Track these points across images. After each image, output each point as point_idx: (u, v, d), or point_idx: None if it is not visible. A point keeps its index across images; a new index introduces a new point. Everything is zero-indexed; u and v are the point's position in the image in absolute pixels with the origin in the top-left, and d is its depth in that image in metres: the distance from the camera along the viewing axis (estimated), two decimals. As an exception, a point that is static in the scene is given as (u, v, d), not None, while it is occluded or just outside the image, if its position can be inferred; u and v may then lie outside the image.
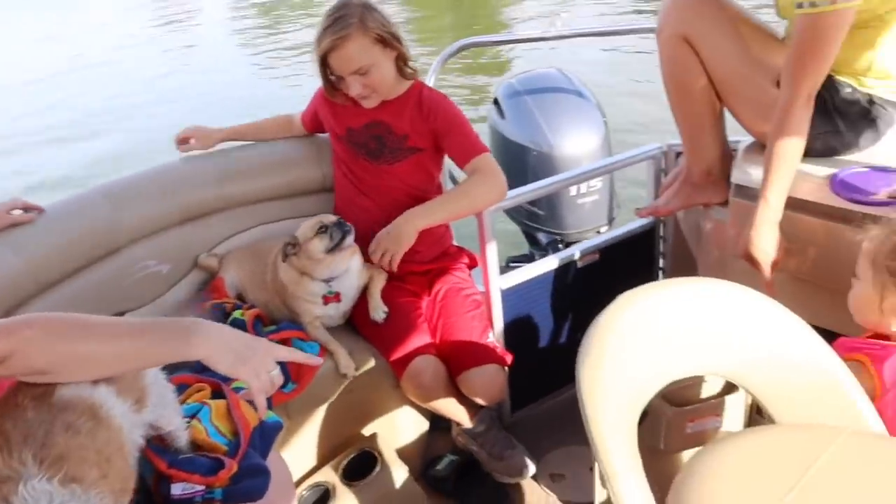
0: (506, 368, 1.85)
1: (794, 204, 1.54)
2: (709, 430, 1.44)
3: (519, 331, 2.08)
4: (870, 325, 1.28)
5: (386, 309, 1.84)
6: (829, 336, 1.36)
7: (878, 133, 1.63)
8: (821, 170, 1.60)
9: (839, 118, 1.60)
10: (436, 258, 2.00)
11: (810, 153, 1.54)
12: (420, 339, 1.80)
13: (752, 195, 1.59)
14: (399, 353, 1.77)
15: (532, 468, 1.94)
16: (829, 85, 1.55)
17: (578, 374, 1.07)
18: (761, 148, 1.60)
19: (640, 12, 8.95)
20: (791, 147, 1.48)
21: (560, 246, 3.14)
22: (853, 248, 1.29)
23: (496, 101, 2.94)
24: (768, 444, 1.13)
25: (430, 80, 2.31)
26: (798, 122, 1.48)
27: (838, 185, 1.52)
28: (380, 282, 1.88)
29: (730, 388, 1.45)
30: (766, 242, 1.53)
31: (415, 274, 1.96)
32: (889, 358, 1.18)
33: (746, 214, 1.57)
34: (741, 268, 1.63)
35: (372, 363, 1.82)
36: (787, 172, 1.50)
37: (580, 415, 1.06)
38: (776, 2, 1.67)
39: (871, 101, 1.59)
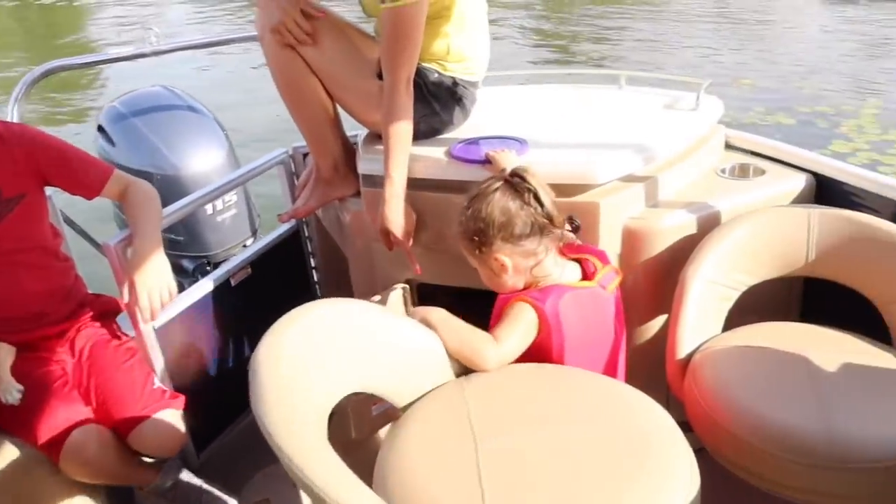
0: (180, 412, 1.72)
1: (415, 183, 1.69)
2: (391, 408, 1.52)
3: (186, 367, 1.94)
4: (507, 292, 1.45)
5: (20, 387, 1.56)
6: (475, 294, 1.54)
7: (466, 110, 1.87)
8: (431, 150, 1.78)
9: (434, 101, 1.80)
10: (71, 314, 1.76)
11: (417, 136, 1.70)
12: (72, 409, 1.58)
13: (379, 182, 1.70)
14: (49, 434, 1.52)
15: (233, 504, 1.85)
16: (420, 72, 1.72)
17: (253, 400, 1.06)
18: (378, 137, 1.73)
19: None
20: (402, 128, 1.64)
21: (208, 268, 3.01)
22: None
23: (101, 129, 2.68)
24: (440, 410, 1.28)
25: (11, 114, 2.00)
26: (403, 105, 1.64)
27: (455, 157, 1.71)
28: (7, 358, 1.60)
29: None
30: (396, 215, 1.66)
31: (49, 338, 1.70)
32: (546, 299, 1.37)
33: (377, 200, 1.68)
34: (385, 251, 1.74)
35: (16, 455, 1.53)
36: (404, 150, 1.65)
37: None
38: (361, 2, 1.80)
39: (454, 83, 1.82)
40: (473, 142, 1.76)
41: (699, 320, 1.57)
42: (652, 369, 1.63)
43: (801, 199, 1.80)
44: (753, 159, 1.92)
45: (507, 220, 1.39)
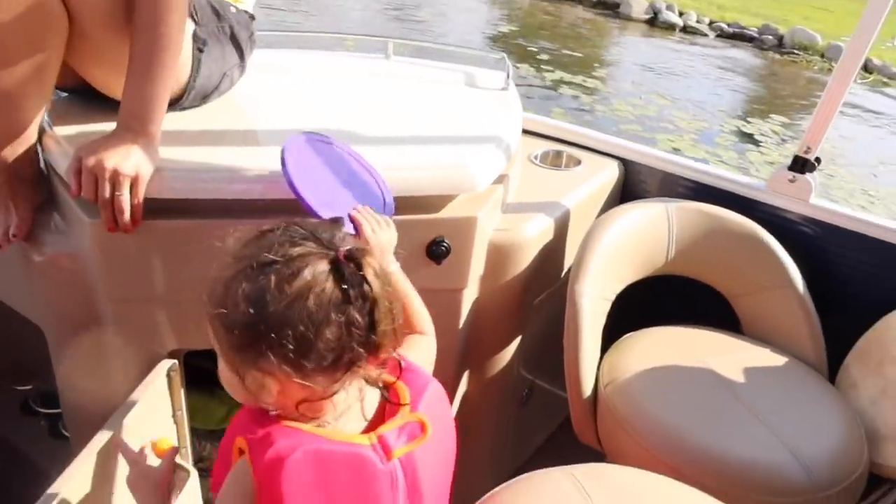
0: None
1: (190, 206, 1.08)
2: None
3: None
4: (249, 404, 0.83)
5: None
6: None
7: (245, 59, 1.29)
8: (227, 151, 1.15)
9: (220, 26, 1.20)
10: None
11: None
12: None
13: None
14: None
15: None
16: None
17: None
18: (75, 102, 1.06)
19: None
20: (173, 33, 1.08)
21: None
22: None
23: None
24: None
25: None
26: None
27: (293, 184, 1.12)
28: None
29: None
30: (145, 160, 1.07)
31: None
32: (270, 447, 0.75)
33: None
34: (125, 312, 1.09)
35: None
36: (171, 74, 1.10)
37: None
38: None
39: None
40: (326, 163, 1.11)
41: (593, 345, 1.33)
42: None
43: (616, 187, 1.68)
44: (555, 145, 1.74)
45: (304, 332, 0.73)
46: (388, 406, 0.83)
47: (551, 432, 1.86)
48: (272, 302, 0.72)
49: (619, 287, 1.43)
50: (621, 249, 1.41)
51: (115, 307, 1.16)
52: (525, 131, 1.68)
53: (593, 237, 1.38)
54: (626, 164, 1.70)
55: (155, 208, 1.06)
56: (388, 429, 0.80)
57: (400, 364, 0.85)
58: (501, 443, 1.63)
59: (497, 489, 0.96)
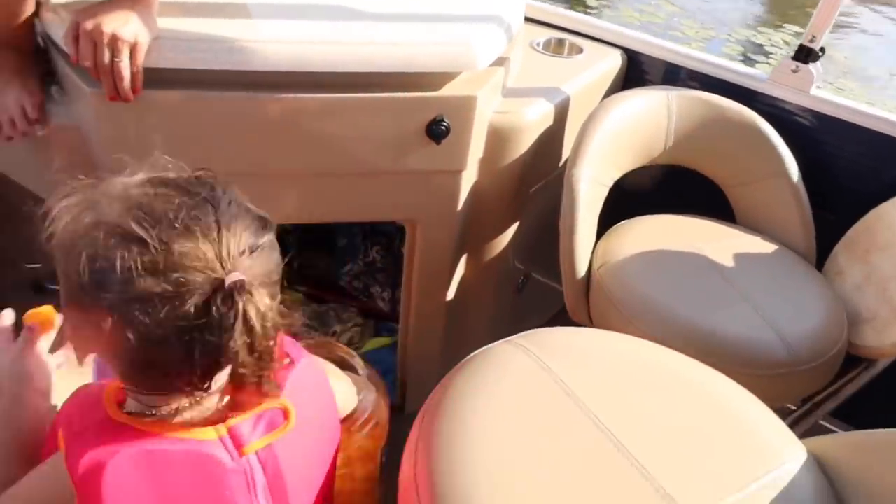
0: None
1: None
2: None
3: None
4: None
5: None
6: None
7: None
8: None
9: None
10: None
11: None
12: None
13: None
14: None
15: None
16: None
17: None
18: None
19: None
20: None
21: None
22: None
23: None
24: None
25: None
26: None
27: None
28: None
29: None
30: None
31: None
32: (89, 451, 0.64)
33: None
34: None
35: None
36: None
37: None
38: None
39: None
40: None
41: (587, 229, 1.36)
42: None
43: (618, 78, 1.67)
44: (558, 33, 1.71)
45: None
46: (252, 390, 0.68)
47: (545, 322, 1.92)
48: (114, 288, 0.60)
49: (616, 174, 1.45)
50: (621, 135, 1.42)
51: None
52: (527, 19, 1.65)
53: (594, 121, 1.39)
54: (629, 53, 1.68)
55: (154, 79, 1.07)
56: (241, 420, 0.69)
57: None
58: (497, 329, 1.68)
59: (451, 371, 0.97)
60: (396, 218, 1.42)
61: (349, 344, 1.64)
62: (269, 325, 0.64)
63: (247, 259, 0.63)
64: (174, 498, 0.65)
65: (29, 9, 1.14)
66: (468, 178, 1.35)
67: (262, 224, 0.66)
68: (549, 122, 1.42)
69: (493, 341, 1.01)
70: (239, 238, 0.63)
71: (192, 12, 1.17)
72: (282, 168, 1.23)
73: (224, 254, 0.61)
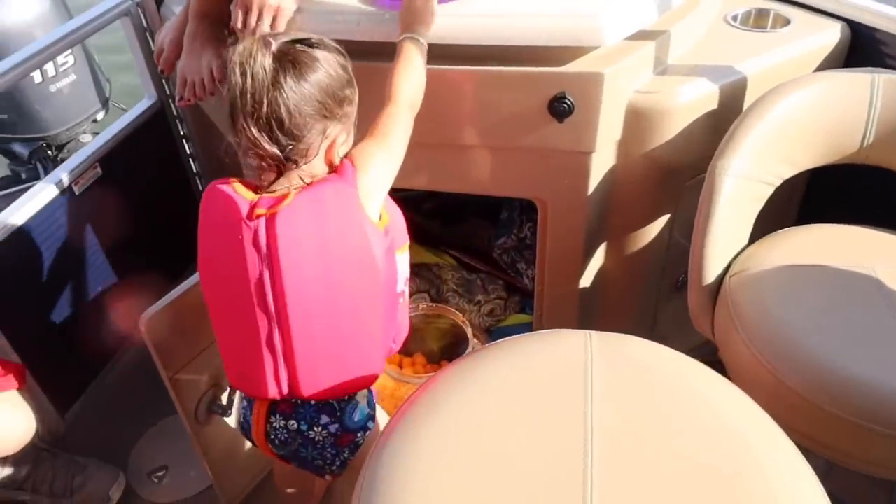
0: (16, 392, 1.22)
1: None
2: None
3: (22, 314, 1.41)
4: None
5: None
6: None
7: None
8: None
9: None
10: None
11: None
12: None
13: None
14: None
15: (121, 479, 1.46)
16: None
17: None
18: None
19: None
20: None
21: (50, 153, 2.35)
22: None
23: None
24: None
25: None
26: None
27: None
28: None
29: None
30: None
31: None
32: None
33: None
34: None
35: None
36: None
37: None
38: None
39: None
40: None
41: (730, 230, 1.19)
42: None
43: (835, 56, 1.39)
44: (767, 3, 1.48)
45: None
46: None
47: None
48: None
49: (787, 171, 1.23)
50: (796, 125, 1.20)
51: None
52: (734, -14, 1.46)
53: (759, 107, 1.19)
54: (852, 26, 1.39)
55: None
56: (267, 195, 0.93)
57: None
58: (646, 324, 1.56)
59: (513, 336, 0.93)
60: (526, 195, 1.38)
61: (490, 315, 1.65)
62: (294, 112, 0.87)
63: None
64: (213, 219, 0.97)
65: None
66: (602, 161, 1.26)
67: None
68: (713, 105, 1.26)
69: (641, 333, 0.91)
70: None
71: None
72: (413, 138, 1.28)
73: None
